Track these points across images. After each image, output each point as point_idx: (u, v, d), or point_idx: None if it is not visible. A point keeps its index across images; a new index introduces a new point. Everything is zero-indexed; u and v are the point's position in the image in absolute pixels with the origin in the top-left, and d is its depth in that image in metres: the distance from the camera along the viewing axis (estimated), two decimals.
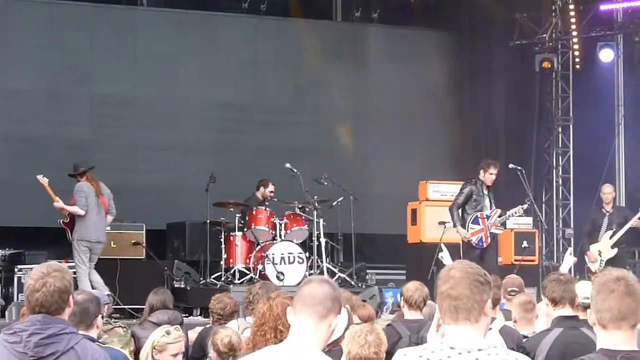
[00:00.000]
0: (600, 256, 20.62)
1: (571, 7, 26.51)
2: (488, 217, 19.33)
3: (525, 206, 20.41)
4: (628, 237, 21.51)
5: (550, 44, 26.84)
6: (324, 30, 27.44)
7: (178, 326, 10.18)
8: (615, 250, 20.73)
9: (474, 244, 19.19)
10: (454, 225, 19.73)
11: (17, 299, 17.43)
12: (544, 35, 26.84)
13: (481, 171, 19.73)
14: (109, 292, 15.24)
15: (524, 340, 9.96)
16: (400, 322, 11.27)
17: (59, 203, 18.51)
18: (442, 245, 15.83)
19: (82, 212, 18.26)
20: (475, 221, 19.31)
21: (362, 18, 28.16)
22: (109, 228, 19.28)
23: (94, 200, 18.44)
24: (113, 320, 12.71)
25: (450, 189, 21.12)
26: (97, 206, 18.44)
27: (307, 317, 5.69)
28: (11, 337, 6.35)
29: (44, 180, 18.43)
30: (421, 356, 5.50)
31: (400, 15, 27.56)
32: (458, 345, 5.07)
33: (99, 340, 8.27)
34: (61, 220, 18.74)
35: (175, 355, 9.06)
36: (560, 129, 27.30)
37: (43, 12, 24.71)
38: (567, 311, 7.57)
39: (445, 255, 14.61)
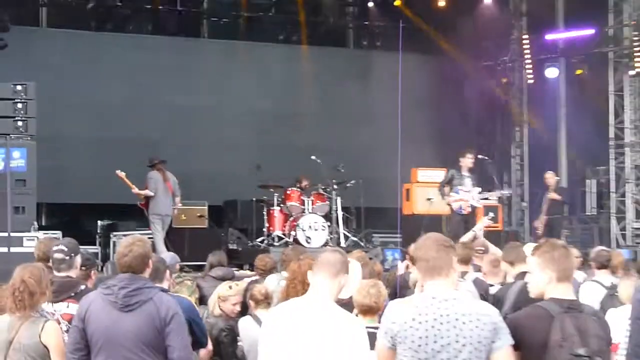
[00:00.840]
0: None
1: (525, 37, 26.61)
2: (468, 192, 19.48)
3: (505, 192, 20.64)
4: (559, 208, 21.75)
5: (510, 64, 26.92)
6: (339, 54, 27.60)
7: (238, 283, 10.36)
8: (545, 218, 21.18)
9: (454, 210, 19.38)
10: (442, 198, 20.03)
11: (112, 259, 17.48)
12: (505, 58, 26.92)
13: (460, 158, 19.79)
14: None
15: (496, 289, 10.10)
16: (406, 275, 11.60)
17: (134, 189, 18.76)
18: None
19: (151, 194, 18.52)
20: (456, 191, 19.47)
21: (369, 45, 28.27)
22: (180, 205, 19.43)
23: (161, 185, 18.65)
24: (183, 274, 12.86)
25: (434, 174, 21.36)
26: (164, 189, 18.64)
27: (323, 276, 5.98)
28: (106, 290, 6.52)
29: (121, 173, 18.56)
30: (410, 305, 5.70)
31: (397, 42, 27.51)
32: (437, 296, 5.35)
33: (170, 291, 8.41)
34: (139, 202, 18.97)
35: (234, 304, 9.20)
36: (518, 128, 27.34)
37: (127, 43, 24.83)
38: (522, 268, 7.44)
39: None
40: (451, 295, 5.52)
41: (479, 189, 19.76)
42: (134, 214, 20.68)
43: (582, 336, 5.76)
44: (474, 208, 19.59)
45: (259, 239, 20.25)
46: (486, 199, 20.20)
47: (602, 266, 11.14)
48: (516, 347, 5.62)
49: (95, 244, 19.86)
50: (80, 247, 17.93)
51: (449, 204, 19.61)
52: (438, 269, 5.50)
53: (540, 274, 5.92)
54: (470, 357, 5.40)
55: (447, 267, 5.55)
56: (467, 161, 19.92)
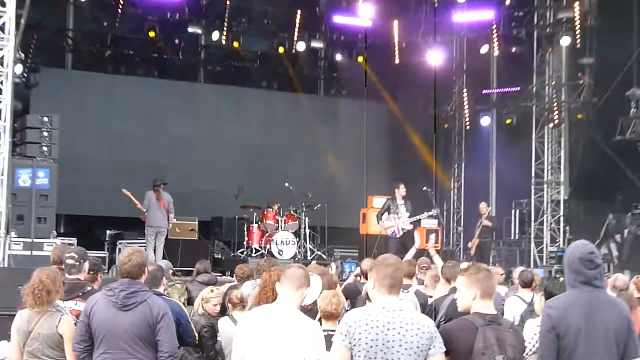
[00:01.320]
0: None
1: (464, 91, 26.68)
2: (399, 218, 19.61)
3: (432, 213, 20.60)
4: (489, 233, 21.84)
5: (451, 113, 26.98)
6: (310, 100, 27.57)
7: (218, 287, 10.40)
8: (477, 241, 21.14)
9: (389, 235, 19.52)
10: (378, 224, 20.12)
11: (117, 263, 17.43)
12: (448, 107, 27.00)
13: (395, 189, 19.90)
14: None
15: (433, 299, 10.07)
16: (356, 283, 11.59)
17: (137, 205, 18.65)
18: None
19: (143, 209, 18.38)
20: (389, 219, 19.56)
21: (336, 93, 28.36)
22: (174, 220, 19.16)
23: (154, 203, 18.39)
24: (175, 278, 12.82)
25: (382, 201, 21.24)
26: (158, 206, 18.39)
27: (288, 288, 6.06)
28: (108, 292, 6.61)
29: (127, 192, 18.43)
30: (364, 313, 5.76)
31: (360, 90, 27.64)
32: (387, 307, 5.50)
33: (164, 294, 8.40)
34: (141, 216, 18.88)
35: (215, 305, 9.23)
36: (456, 165, 27.38)
37: (137, 84, 24.83)
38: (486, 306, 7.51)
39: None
40: (398, 307, 5.65)
41: (408, 215, 19.90)
42: (137, 226, 20.62)
43: (501, 345, 5.83)
44: (407, 230, 19.74)
45: (240, 251, 20.20)
46: (418, 220, 20.30)
47: (526, 285, 11.16)
48: (447, 353, 5.73)
49: (104, 250, 19.79)
50: (91, 252, 17.90)
51: (386, 231, 19.74)
52: (389, 287, 5.59)
53: (467, 292, 6.02)
54: (410, 359, 5.48)
55: (397, 286, 5.66)
56: (400, 192, 19.98)
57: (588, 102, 23.95)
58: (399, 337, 5.51)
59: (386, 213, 19.84)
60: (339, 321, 7.04)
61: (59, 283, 7.73)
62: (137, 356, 6.70)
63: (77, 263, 8.77)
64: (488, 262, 20.63)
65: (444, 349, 5.65)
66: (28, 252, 14.19)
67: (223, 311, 9.49)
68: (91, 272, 8.93)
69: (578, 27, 23.79)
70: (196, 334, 8.47)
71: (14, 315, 8.15)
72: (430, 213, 20.70)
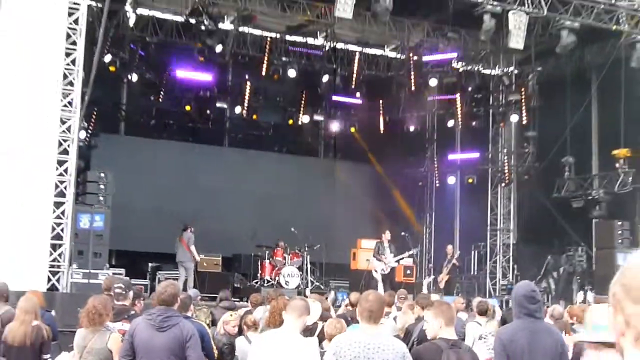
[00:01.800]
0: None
1: (435, 156, 26.70)
2: (385, 258, 19.60)
3: (411, 252, 20.62)
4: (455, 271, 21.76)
5: (424, 173, 26.94)
6: (312, 161, 27.74)
7: (237, 311, 10.39)
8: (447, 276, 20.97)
9: (377, 271, 19.51)
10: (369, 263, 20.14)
11: (156, 291, 17.38)
12: (422, 169, 26.97)
13: (382, 235, 19.97)
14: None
15: (408, 324, 9.99)
16: (346, 313, 11.36)
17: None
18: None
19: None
20: (379, 260, 19.54)
21: (333, 156, 28.45)
22: (202, 255, 19.23)
23: (178, 243, 18.74)
24: (202, 303, 12.73)
25: (371, 243, 21.07)
26: (181, 246, 18.61)
27: (292, 316, 6.11)
28: (148, 316, 6.67)
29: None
30: (349, 336, 5.80)
31: (352, 154, 27.71)
32: (368, 332, 5.62)
33: (192, 317, 8.41)
34: None
35: (233, 326, 9.19)
36: (428, 215, 27.25)
37: (175, 147, 24.93)
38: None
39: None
40: (378, 332, 5.80)
41: (392, 255, 19.90)
42: (172, 260, 20.62)
43: None
44: (392, 268, 19.75)
45: (254, 281, 19.97)
46: (401, 258, 20.30)
47: (482, 313, 11.31)
48: None
49: (146, 279, 19.68)
50: (135, 280, 17.84)
51: (374, 269, 19.75)
52: (373, 318, 5.65)
53: (434, 322, 6.14)
54: None
55: (379, 317, 5.74)
56: (386, 236, 20.15)
57: (532, 166, 23.98)
58: (377, 355, 5.54)
59: (378, 254, 19.97)
60: None
61: (109, 308, 7.76)
62: None
63: (124, 292, 8.84)
64: (453, 293, 20.58)
65: None
66: (86, 281, 14.18)
67: (240, 331, 9.45)
68: (135, 300, 9.01)
69: (524, 107, 23.89)
70: (215, 351, 8.44)
71: (74, 331, 8.14)
72: (410, 252, 20.77)
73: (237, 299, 16.82)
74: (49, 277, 13.54)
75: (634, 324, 1.71)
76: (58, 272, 13.70)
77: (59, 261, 13.73)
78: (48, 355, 8.12)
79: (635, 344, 1.72)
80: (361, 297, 6.37)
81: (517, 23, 17.93)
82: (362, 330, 5.73)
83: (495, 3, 17.98)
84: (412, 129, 26.70)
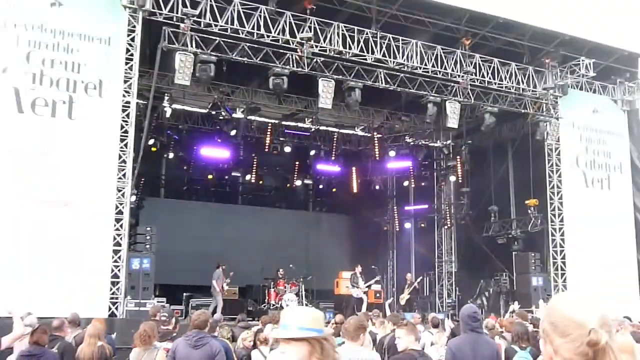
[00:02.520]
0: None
1: (395, 208, 26.68)
2: (359, 286, 19.49)
3: (377, 279, 20.49)
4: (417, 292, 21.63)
5: (388, 221, 26.90)
6: (303, 214, 27.62)
7: (250, 330, 10.23)
8: (407, 297, 20.78)
9: (353, 296, 19.35)
10: (350, 288, 19.94)
11: (190, 315, 17.09)
12: (385, 217, 26.95)
13: (355, 268, 19.91)
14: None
15: (380, 337, 9.87)
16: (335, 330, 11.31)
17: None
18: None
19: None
20: (354, 287, 19.43)
21: (320, 210, 28.36)
22: (226, 286, 18.83)
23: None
24: (224, 324, 12.54)
25: (348, 274, 20.79)
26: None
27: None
28: (186, 337, 6.66)
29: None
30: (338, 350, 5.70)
31: (333, 208, 27.64)
32: (351, 349, 5.42)
33: (218, 336, 8.29)
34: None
35: (250, 342, 9.11)
36: (390, 251, 27.15)
37: (201, 207, 24.85)
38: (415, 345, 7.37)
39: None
40: (359, 348, 5.79)
41: (364, 283, 19.80)
42: (202, 290, 20.44)
43: None
44: (365, 293, 19.60)
45: (263, 305, 19.68)
46: (370, 285, 20.16)
47: (435, 325, 11.28)
48: None
49: (181, 305, 19.43)
50: (173, 306, 17.49)
51: (352, 294, 19.63)
52: (355, 337, 5.59)
53: (407, 337, 6.07)
54: None
55: (359, 336, 5.67)
56: (358, 269, 20.03)
57: (466, 213, 24.04)
58: None
59: (354, 283, 19.84)
60: None
61: (156, 331, 7.71)
62: None
63: (167, 319, 8.80)
64: (413, 309, 20.46)
65: None
66: (137, 309, 14.01)
67: (254, 345, 9.33)
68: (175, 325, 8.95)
69: (459, 170, 24.03)
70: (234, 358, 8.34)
71: (130, 348, 8.03)
72: (376, 279, 20.64)
73: (250, 319, 16.57)
74: (109, 306, 13.41)
75: (560, 353, 1.74)
76: (116, 302, 13.56)
77: (116, 294, 13.60)
78: None
79: None
80: (345, 322, 6.35)
81: (452, 109, 18.11)
82: (347, 346, 5.68)
83: (436, 95, 18.17)
84: (377, 188, 26.78)
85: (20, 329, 7.99)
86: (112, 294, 13.54)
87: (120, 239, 13.79)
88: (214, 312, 16.96)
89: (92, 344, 7.81)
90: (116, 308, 13.51)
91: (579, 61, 18.68)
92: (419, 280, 21.95)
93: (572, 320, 1.72)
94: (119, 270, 13.70)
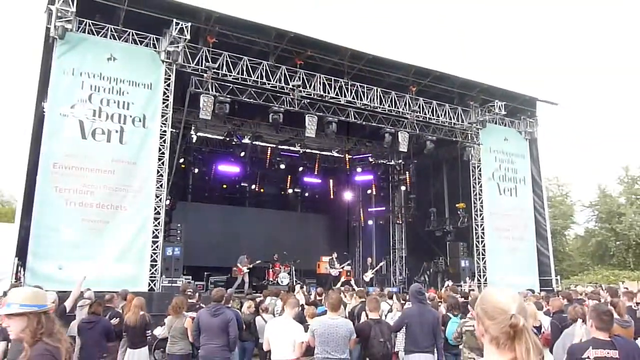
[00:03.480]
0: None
1: (361, 210, 26.41)
2: (335, 267, 19.35)
3: (348, 262, 20.40)
4: (380, 271, 21.48)
5: (355, 219, 26.73)
6: (293, 214, 27.26)
7: (253, 300, 10.05)
8: (372, 276, 20.60)
9: (332, 275, 19.20)
10: (329, 268, 19.74)
11: (210, 291, 16.80)
12: (354, 217, 26.74)
13: (332, 254, 19.86)
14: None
15: (352, 307, 9.74)
16: (316, 301, 11.11)
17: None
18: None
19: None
20: (332, 268, 19.27)
21: (306, 210, 27.97)
22: (246, 269, 18.42)
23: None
24: (235, 296, 12.35)
25: (327, 258, 20.71)
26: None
27: (289, 308, 5.79)
28: (207, 308, 6.60)
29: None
30: (321, 319, 5.57)
31: (316, 210, 27.41)
32: (332, 317, 5.31)
33: (230, 306, 8.12)
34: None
35: (252, 309, 8.94)
36: (358, 242, 26.83)
37: (217, 209, 24.50)
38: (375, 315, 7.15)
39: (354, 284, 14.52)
40: (336, 316, 5.74)
41: (339, 264, 19.66)
42: (220, 270, 20.18)
43: (382, 332, 5.69)
44: (339, 273, 19.41)
45: (263, 281, 19.23)
46: (343, 267, 20.01)
47: (390, 297, 10.99)
48: (358, 338, 5.54)
49: (203, 281, 19.15)
50: (197, 282, 17.18)
51: (330, 272, 19.46)
52: (336, 308, 5.54)
53: (368, 308, 5.92)
54: (343, 341, 5.31)
55: (338, 307, 5.58)
56: (334, 255, 19.96)
57: (413, 214, 23.95)
58: (336, 330, 5.39)
59: (331, 265, 19.68)
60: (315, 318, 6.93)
61: (185, 303, 7.54)
62: (220, 337, 6.50)
63: (192, 294, 8.59)
64: (373, 285, 20.35)
65: (355, 336, 5.52)
66: (170, 285, 13.79)
67: (257, 312, 9.18)
68: (198, 298, 8.76)
69: (408, 182, 24.04)
70: (244, 324, 8.19)
71: (164, 316, 7.86)
72: (348, 262, 20.54)
73: (254, 292, 16.43)
74: (149, 283, 13.20)
75: (489, 331, 1.77)
76: (154, 280, 13.33)
77: (155, 274, 13.38)
78: (150, 331, 7.84)
79: (491, 343, 1.77)
80: (328, 295, 6.27)
81: (403, 137, 18.12)
82: (328, 315, 5.60)
83: (391, 127, 18.17)
84: (348, 195, 26.73)
85: (77, 292, 7.78)
86: (151, 274, 13.32)
87: (158, 232, 13.61)
88: (238, 287, 16.79)
89: (136, 313, 7.67)
90: (154, 284, 13.29)
91: (494, 103, 18.81)
92: (381, 264, 21.87)
93: (498, 307, 1.76)
94: (157, 256, 13.48)
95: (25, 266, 11.81)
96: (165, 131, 14.12)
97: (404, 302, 9.70)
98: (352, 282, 17.17)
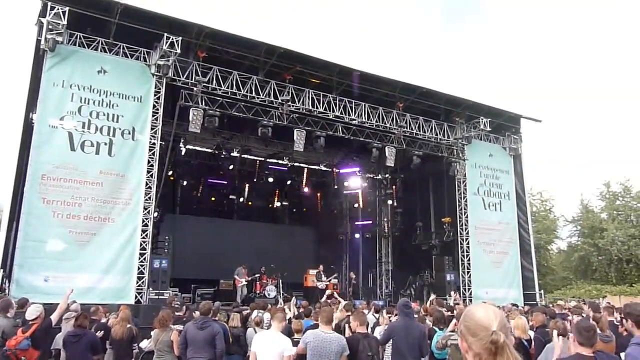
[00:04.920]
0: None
1: (348, 223, 26.48)
2: (322, 280, 19.26)
3: (335, 275, 20.30)
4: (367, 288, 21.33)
5: (342, 232, 26.54)
6: (278, 227, 27.13)
7: (239, 313, 9.93)
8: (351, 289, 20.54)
9: (319, 288, 19.08)
10: (317, 281, 19.67)
11: (197, 304, 16.61)
12: (341, 229, 26.64)
13: (319, 267, 19.77)
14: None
15: (338, 320, 9.66)
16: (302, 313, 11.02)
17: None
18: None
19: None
20: (319, 281, 19.17)
21: (293, 223, 27.82)
22: (244, 282, 18.64)
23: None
24: (222, 308, 12.23)
25: (314, 271, 20.60)
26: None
27: (276, 321, 5.76)
28: (194, 322, 6.51)
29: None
30: (314, 332, 5.55)
31: (304, 223, 27.31)
32: (325, 331, 5.29)
33: (217, 319, 8.00)
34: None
35: (239, 322, 8.84)
36: (345, 255, 26.84)
37: (206, 221, 24.31)
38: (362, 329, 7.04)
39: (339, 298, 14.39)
40: (329, 330, 5.62)
41: (326, 277, 19.61)
42: (207, 283, 19.97)
43: (370, 346, 5.66)
44: (326, 286, 19.31)
45: (250, 294, 18.93)
46: (330, 280, 19.93)
47: (377, 311, 10.93)
48: (349, 354, 5.51)
49: (190, 293, 18.96)
50: (184, 295, 16.92)
51: (317, 286, 19.37)
52: (328, 322, 5.49)
53: (354, 323, 5.91)
54: (334, 357, 5.31)
55: (330, 321, 5.55)
56: (321, 268, 19.90)
57: (400, 227, 23.97)
58: (328, 345, 5.37)
59: (318, 278, 19.60)
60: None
61: (171, 316, 7.43)
62: (206, 350, 6.43)
63: (179, 307, 8.50)
64: (360, 298, 20.28)
65: (348, 352, 5.48)
66: (157, 297, 13.53)
67: (245, 325, 9.08)
68: (185, 311, 8.65)
69: (394, 196, 24.12)
70: (230, 337, 8.08)
71: (151, 329, 7.74)
72: (334, 275, 20.46)
73: (241, 304, 16.24)
74: (135, 295, 13.05)
75: (472, 348, 1.80)
76: (141, 292, 13.20)
77: (142, 286, 13.24)
78: (136, 344, 7.73)
79: (474, 359, 1.80)
80: (320, 309, 6.26)
81: (390, 152, 18.22)
82: (321, 329, 5.56)
83: (378, 142, 18.27)
84: (335, 209, 26.74)
85: (63, 305, 7.64)
86: (138, 286, 13.19)
87: (146, 245, 13.49)
88: (242, 299, 16.70)
89: (123, 326, 7.58)
90: (141, 297, 13.15)
91: (479, 120, 19.01)
92: (354, 277, 22.09)
93: (480, 324, 1.79)
94: (144, 268, 13.37)
95: (11, 278, 11.62)
96: (154, 143, 14.08)
97: (389, 315, 9.69)
98: (336, 295, 17.08)
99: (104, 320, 8.64)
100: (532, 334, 7.48)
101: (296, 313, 9.91)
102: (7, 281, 11.57)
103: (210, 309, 6.75)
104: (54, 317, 7.25)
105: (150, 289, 13.70)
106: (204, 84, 14.70)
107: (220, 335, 6.48)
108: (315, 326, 6.59)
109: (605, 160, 67.05)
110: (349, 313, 8.78)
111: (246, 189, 24.99)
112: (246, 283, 18.36)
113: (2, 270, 11.47)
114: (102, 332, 7.77)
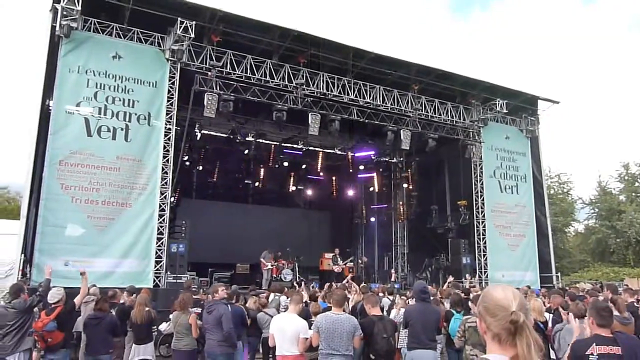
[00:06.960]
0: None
1: (363, 207, 26.41)
2: (338, 264, 19.30)
3: (351, 259, 20.38)
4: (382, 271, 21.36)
5: (358, 215, 26.64)
6: (294, 211, 27.24)
7: (257, 296, 10.02)
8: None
9: (336, 271, 19.14)
10: (333, 265, 19.73)
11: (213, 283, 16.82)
12: (356, 214, 26.60)
13: (335, 251, 19.80)
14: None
15: (354, 303, 9.70)
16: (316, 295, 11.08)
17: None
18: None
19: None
20: (335, 265, 19.20)
21: (306, 207, 27.92)
22: (270, 266, 18.72)
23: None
24: (240, 291, 12.33)
25: (330, 255, 20.77)
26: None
27: (293, 304, 5.79)
28: (206, 306, 6.53)
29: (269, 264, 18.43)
30: (325, 314, 5.57)
31: (319, 207, 27.32)
32: (335, 312, 5.32)
33: (233, 302, 8.09)
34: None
35: (257, 305, 8.94)
36: (360, 238, 26.83)
37: (223, 206, 24.45)
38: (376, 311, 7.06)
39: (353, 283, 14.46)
40: (341, 312, 5.68)
41: (342, 262, 19.65)
42: (224, 267, 20.14)
43: (385, 328, 5.65)
44: (342, 269, 19.36)
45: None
46: (345, 264, 19.99)
47: (390, 293, 10.94)
48: (363, 334, 5.51)
49: (207, 277, 19.09)
50: (201, 278, 17.07)
51: (333, 269, 19.41)
52: (341, 304, 5.49)
53: (367, 305, 5.89)
54: (347, 337, 5.29)
55: (343, 303, 5.55)
56: (336, 252, 19.89)
57: (415, 211, 23.96)
58: (340, 326, 5.38)
59: (334, 262, 19.66)
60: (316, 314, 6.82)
61: (190, 299, 7.52)
62: (216, 332, 6.58)
63: (196, 290, 8.61)
64: (376, 281, 20.32)
65: (361, 333, 5.49)
66: (174, 281, 13.69)
67: (264, 306, 9.17)
68: (202, 294, 8.76)
69: (410, 180, 24.03)
70: (247, 319, 8.15)
71: (169, 312, 7.86)
72: (350, 259, 20.52)
73: (259, 288, 16.38)
74: (154, 279, 13.19)
75: (491, 328, 1.80)
76: (159, 276, 13.33)
77: (160, 270, 13.38)
78: (155, 327, 7.85)
79: (493, 340, 1.80)
80: (332, 291, 6.30)
81: (405, 135, 18.09)
82: (333, 311, 5.59)
83: (393, 125, 18.14)
84: (351, 192, 26.73)
85: (85, 289, 7.76)
86: (156, 270, 13.32)
87: (163, 229, 13.60)
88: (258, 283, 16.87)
89: (142, 309, 7.68)
90: (159, 281, 13.29)
91: (496, 101, 18.73)
92: (365, 260, 22.38)
93: (499, 304, 1.79)
94: (161, 253, 13.48)
95: (32, 262, 11.83)
96: (169, 129, 14.13)
97: (404, 298, 9.69)
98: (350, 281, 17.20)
99: (126, 302, 8.78)
100: (548, 315, 7.44)
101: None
102: (28, 266, 11.79)
103: (216, 290, 6.93)
104: (77, 301, 7.39)
105: (168, 272, 13.88)
106: (219, 69, 14.68)
107: (226, 316, 6.57)
108: (330, 309, 6.63)
109: (624, 141, 65.86)
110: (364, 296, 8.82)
111: (261, 174, 25.00)
112: (272, 267, 18.49)
113: (23, 255, 11.68)
114: (122, 315, 7.91)
